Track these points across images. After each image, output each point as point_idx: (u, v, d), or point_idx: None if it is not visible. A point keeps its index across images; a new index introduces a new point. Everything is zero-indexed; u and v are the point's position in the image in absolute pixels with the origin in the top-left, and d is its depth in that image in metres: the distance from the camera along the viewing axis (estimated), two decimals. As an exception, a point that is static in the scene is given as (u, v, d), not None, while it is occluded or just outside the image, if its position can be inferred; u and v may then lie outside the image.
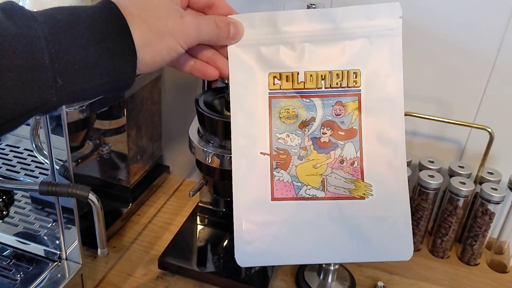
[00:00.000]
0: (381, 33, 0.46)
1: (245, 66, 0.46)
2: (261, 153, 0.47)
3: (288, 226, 0.47)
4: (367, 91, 0.46)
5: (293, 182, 0.47)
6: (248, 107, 0.47)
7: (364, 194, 0.47)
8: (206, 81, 0.71)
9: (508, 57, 0.70)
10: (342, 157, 0.47)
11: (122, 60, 0.37)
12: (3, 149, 0.83)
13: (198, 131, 0.64)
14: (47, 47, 0.33)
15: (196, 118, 0.64)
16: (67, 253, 0.64)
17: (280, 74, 0.46)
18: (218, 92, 0.64)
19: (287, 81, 0.46)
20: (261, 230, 0.47)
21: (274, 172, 0.47)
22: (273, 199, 0.47)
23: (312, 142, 0.47)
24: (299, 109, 0.47)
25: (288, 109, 0.47)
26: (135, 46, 0.37)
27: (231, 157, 0.48)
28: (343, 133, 0.47)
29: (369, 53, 0.46)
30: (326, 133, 0.47)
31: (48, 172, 0.68)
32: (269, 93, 0.47)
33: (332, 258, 0.51)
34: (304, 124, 0.47)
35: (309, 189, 0.47)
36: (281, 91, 0.47)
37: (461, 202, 0.73)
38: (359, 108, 0.47)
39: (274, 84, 0.47)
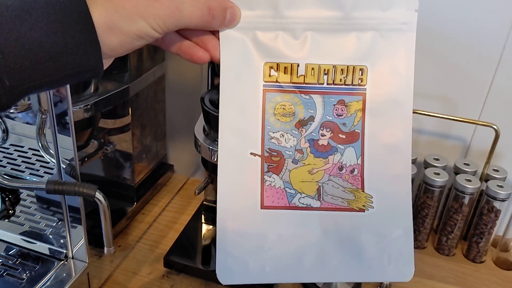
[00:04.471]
0: (394, 26, 0.41)
1: (239, 51, 0.41)
2: (251, 153, 0.42)
3: (278, 239, 0.42)
4: (373, 91, 0.42)
5: (285, 188, 0.42)
6: (239, 99, 0.42)
7: (363, 206, 0.43)
8: (210, 80, 0.71)
9: (514, 54, 0.70)
10: (342, 163, 0.43)
11: (82, 52, 0.32)
12: (8, 148, 0.83)
13: (204, 129, 0.63)
14: None
15: (201, 116, 0.64)
16: (73, 252, 0.64)
17: (277, 64, 0.41)
18: (223, 90, 0.64)
19: (285, 73, 0.41)
20: (247, 242, 0.42)
21: (265, 177, 0.42)
22: (262, 207, 0.42)
23: (309, 145, 0.42)
24: (297, 106, 0.42)
25: (285, 106, 0.42)
26: (97, 35, 0.32)
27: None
28: (344, 136, 0.42)
29: (378, 48, 0.41)
30: (325, 135, 0.42)
31: (53, 171, 0.68)
32: (263, 85, 0.41)
33: (324, 277, 0.45)
34: (302, 124, 0.42)
35: (304, 197, 0.43)
36: (278, 84, 0.42)
37: (466, 200, 0.73)
38: (363, 110, 0.42)
39: (270, 76, 0.41)
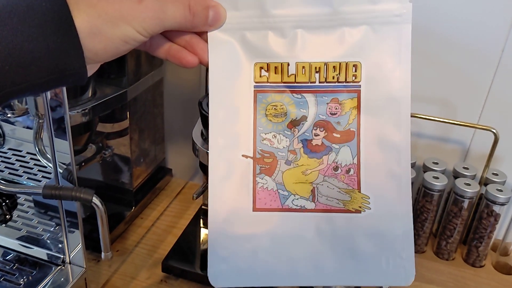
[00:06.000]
0: (387, 19, 0.39)
1: (227, 54, 0.40)
2: (243, 155, 0.41)
3: (271, 241, 0.42)
4: (368, 87, 0.40)
5: (278, 190, 0.41)
6: (230, 101, 0.41)
7: (360, 207, 0.41)
8: (208, 84, 0.71)
9: (512, 58, 0.70)
10: (337, 163, 0.41)
11: (64, 56, 0.32)
12: (6, 152, 0.83)
13: (202, 133, 0.63)
14: None
15: (199, 120, 0.64)
16: (71, 257, 0.64)
17: (267, 64, 0.40)
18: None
19: (275, 73, 0.40)
20: (239, 245, 0.41)
21: (257, 178, 0.41)
22: (255, 209, 0.41)
23: (302, 145, 0.41)
24: (289, 106, 0.41)
25: (276, 106, 0.41)
26: (79, 39, 0.32)
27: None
28: (338, 135, 0.41)
29: (372, 43, 0.40)
30: (319, 135, 0.41)
31: (51, 176, 0.67)
32: (254, 86, 0.40)
33: (320, 281, 0.43)
34: (294, 124, 0.41)
35: (297, 199, 0.42)
36: (269, 84, 0.40)
37: (466, 204, 0.72)
38: (358, 107, 0.41)
39: (260, 76, 0.40)
